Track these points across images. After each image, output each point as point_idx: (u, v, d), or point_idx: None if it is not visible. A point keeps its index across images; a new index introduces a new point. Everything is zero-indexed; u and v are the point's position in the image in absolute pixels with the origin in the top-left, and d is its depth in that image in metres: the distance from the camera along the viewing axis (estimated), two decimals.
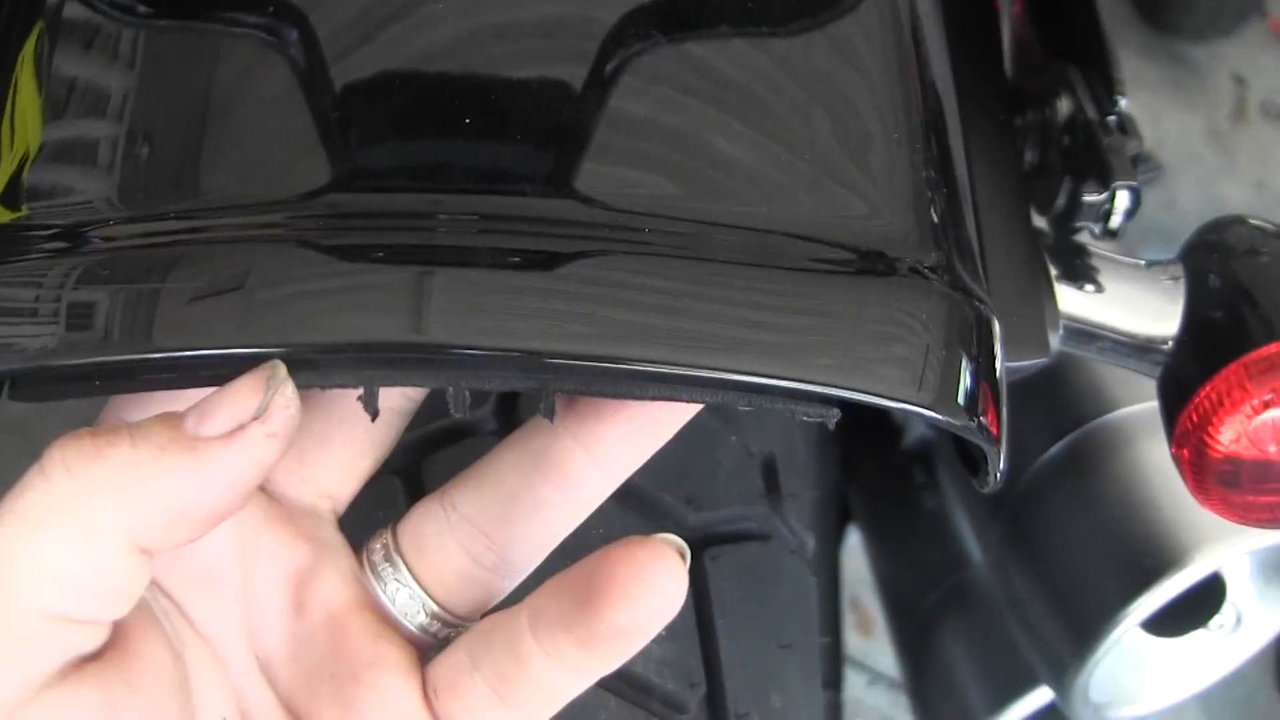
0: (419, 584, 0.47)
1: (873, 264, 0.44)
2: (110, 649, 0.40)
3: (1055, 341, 0.59)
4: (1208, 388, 0.56)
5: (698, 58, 0.47)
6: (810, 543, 0.73)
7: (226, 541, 0.44)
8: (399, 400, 0.47)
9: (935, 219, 0.47)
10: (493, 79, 0.46)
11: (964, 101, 0.55)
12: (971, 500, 0.94)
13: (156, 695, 0.41)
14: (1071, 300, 0.60)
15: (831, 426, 0.43)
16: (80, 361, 0.40)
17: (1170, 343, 0.60)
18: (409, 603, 0.46)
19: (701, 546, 0.65)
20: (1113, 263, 0.62)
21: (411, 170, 0.44)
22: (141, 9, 0.49)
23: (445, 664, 0.45)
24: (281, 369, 0.40)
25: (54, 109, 0.47)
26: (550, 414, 0.42)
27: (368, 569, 0.47)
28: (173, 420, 0.39)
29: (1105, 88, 0.60)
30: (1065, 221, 0.62)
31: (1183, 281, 0.61)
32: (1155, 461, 0.78)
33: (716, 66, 0.47)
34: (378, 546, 0.47)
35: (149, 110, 0.47)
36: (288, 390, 0.40)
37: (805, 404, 0.42)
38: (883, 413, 1.05)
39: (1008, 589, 0.85)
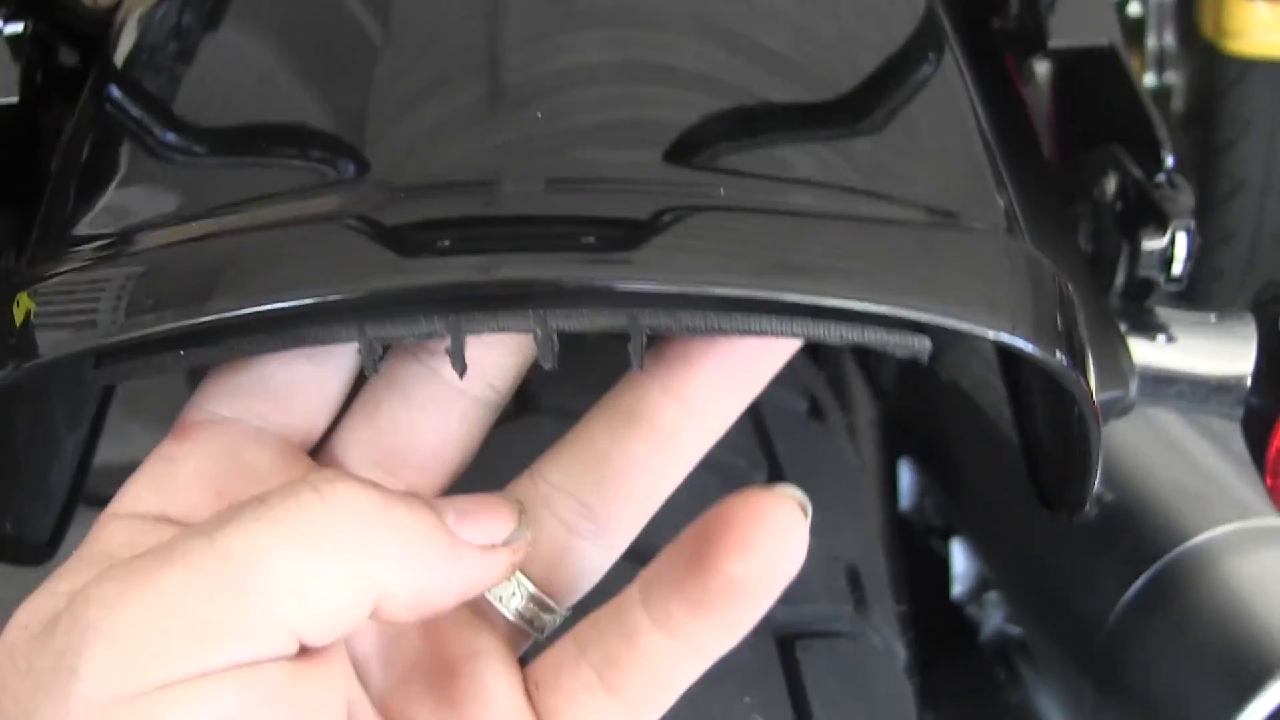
0: None
1: (952, 221, 0.45)
2: None
3: (1134, 391, 0.59)
4: None
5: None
6: (900, 652, 0.70)
7: None
8: (484, 390, 0.46)
9: (1004, 202, 0.48)
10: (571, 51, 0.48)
11: (1021, 202, 0.57)
12: (1056, 678, 0.92)
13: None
14: (1145, 352, 0.60)
15: (925, 359, 0.42)
16: (164, 328, 0.40)
17: (1248, 381, 0.59)
18: (505, 586, 0.44)
19: (792, 638, 0.63)
20: (1183, 318, 0.62)
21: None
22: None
23: (551, 654, 0.44)
24: (527, 511, 0.42)
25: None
26: (640, 358, 0.41)
27: None
28: (433, 509, 0.40)
29: (1150, 151, 0.62)
30: (1132, 293, 0.62)
31: (1254, 327, 0.61)
32: (1244, 576, 0.76)
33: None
34: None
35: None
36: (529, 533, 0.41)
37: (895, 333, 0.42)
38: (954, 615, 1.04)
39: None
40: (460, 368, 0.41)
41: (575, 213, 0.42)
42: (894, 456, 1.14)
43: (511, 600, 0.45)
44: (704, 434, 0.45)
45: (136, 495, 0.42)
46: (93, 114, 0.53)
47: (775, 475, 0.71)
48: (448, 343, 0.41)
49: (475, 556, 0.40)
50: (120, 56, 0.55)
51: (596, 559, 0.46)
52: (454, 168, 0.45)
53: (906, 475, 1.14)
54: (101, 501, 0.53)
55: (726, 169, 0.45)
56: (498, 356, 0.45)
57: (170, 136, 0.50)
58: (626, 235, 0.41)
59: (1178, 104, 2.60)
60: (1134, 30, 2.70)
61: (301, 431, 0.45)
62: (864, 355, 1.21)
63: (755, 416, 0.73)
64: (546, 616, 0.45)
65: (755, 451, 0.71)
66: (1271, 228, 2.32)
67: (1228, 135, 2.35)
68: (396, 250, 0.40)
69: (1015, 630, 1.01)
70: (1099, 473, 0.51)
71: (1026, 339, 0.42)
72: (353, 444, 0.45)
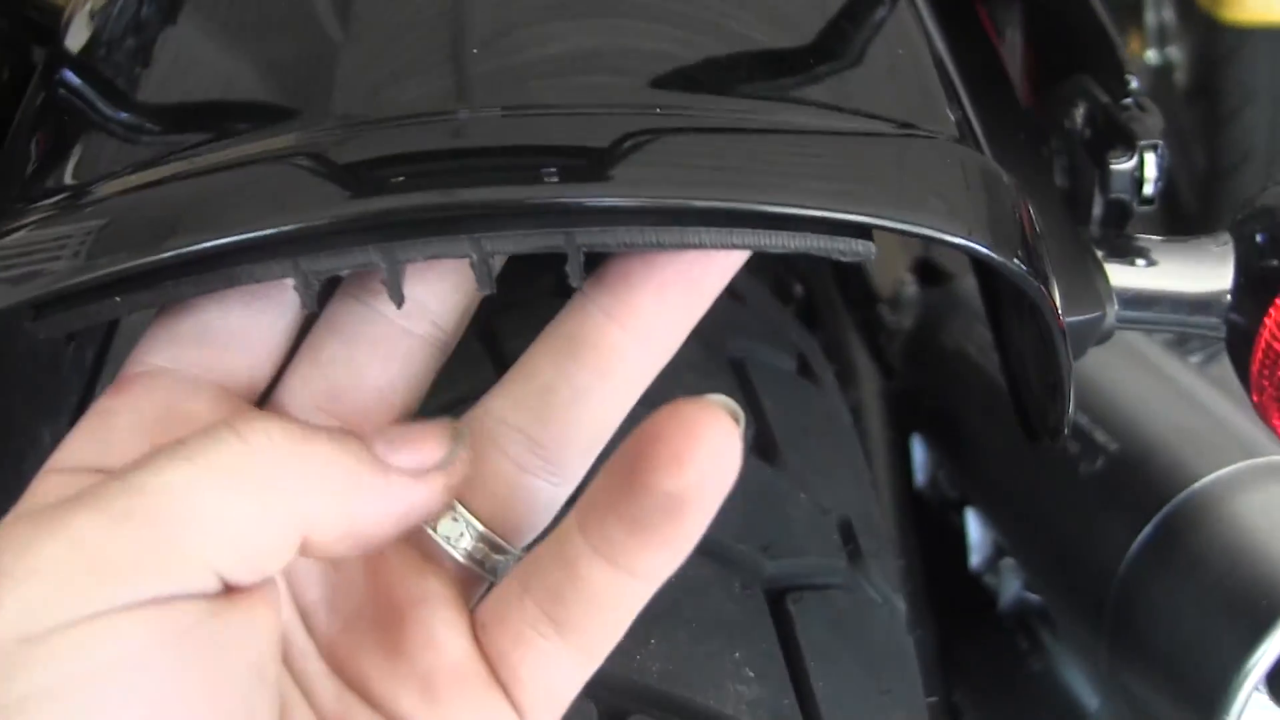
0: (461, 502, 0.43)
1: (902, 130, 0.44)
2: None
3: (1113, 314, 0.58)
4: (1270, 318, 0.55)
5: None
6: (900, 606, 0.69)
7: None
8: (429, 329, 0.45)
9: (957, 116, 0.47)
10: None
11: (991, 138, 0.56)
12: (1075, 639, 0.90)
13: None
14: (1126, 275, 0.59)
15: (871, 260, 0.41)
16: (99, 274, 0.40)
17: (1227, 296, 0.58)
18: (452, 526, 0.43)
19: (782, 591, 0.62)
20: (1161, 241, 0.61)
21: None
22: None
23: (496, 595, 0.42)
24: (465, 431, 0.41)
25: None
26: (578, 277, 0.40)
27: None
28: (361, 440, 0.39)
29: (1115, 77, 0.61)
30: (1110, 221, 0.62)
31: (1231, 246, 0.60)
32: (1250, 515, 0.74)
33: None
34: None
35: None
36: (466, 454, 0.40)
37: (837, 239, 0.41)
38: (974, 587, 1.03)
39: (1127, 693, 0.80)
40: (398, 299, 0.41)
41: (507, 140, 0.41)
42: (906, 432, 1.13)
43: (460, 541, 0.43)
44: (650, 357, 0.43)
45: (73, 449, 0.41)
46: (44, 86, 0.53)
47: (763, 432, 0.70)
48: (384, 274, 0.40)
49: (406, 482, 0.39)
50: (74, 29, 0.55)
51: (548, 495, 0.44)
52: (398, 103, 0.44)
53: (919, 451, 1.13)
54: None
55: (675, 93, 0.44)
56: (440, 293, 0.44)
57: (125, 96, 0.50)
58: (559, 156, 0.40)
59: (1181, 78, 2.59)
60: (1133, 7, 2.70)
61: (244, 379, 0.44)
62: (870, 330, 1.21)
63: (740, 373, 0.72)
64: (498, 557, 0.44)
65: (741, 407, 0.70)
66: None
67: (1232, 105, 2.34)
68: (337, 183, 0.40)
69: (1033, 597, 1.00)
70: (1072, 392, 0.51)
71: (982, 242, 0.42)
72: (297, 389, 0.45)
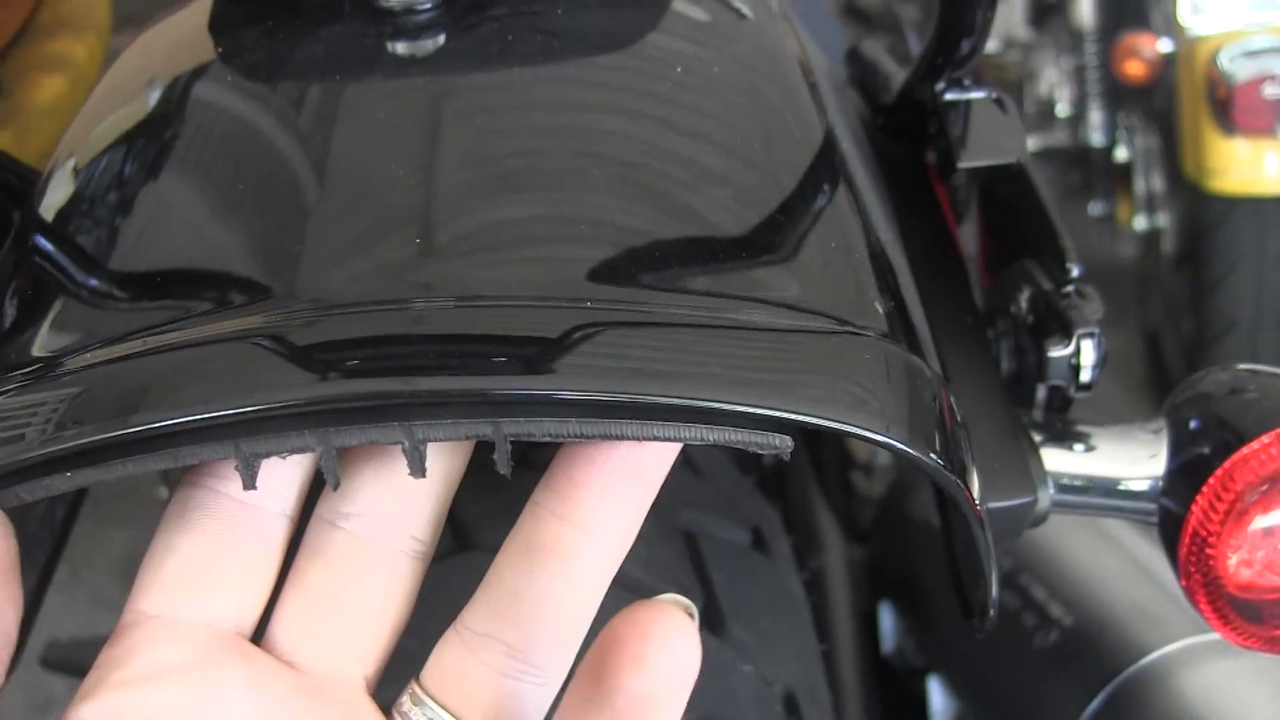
0: (454, 716, 0.44)
1: (828, 325, 0.46)
2: None
3: (1046, 499, 0.59)
4: (1197, 504, 0.56)
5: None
6: None
7: (251, 715, 0.43)
8: (408, 543, 0.46)
9: (885, 310, 0.49)
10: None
11: (940, 324, 0.58)
12: None
13: None
14: (1060, 460, 0.60)
15: (786, 457, 0.43)
16: (55, 448, 0.41)
17: (1160, 481, 0.60)
18: None
19: None
20: (1098, 427, 0.62)
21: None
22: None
23: None
24: None
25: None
26: (505, 465, 0.42)
27: None
28: None
29: (1058, 263, 0.63)
30: (1053, 406, 0.63)
31: (1165, 432, 0.61)
32: (1196, 690, 0.75)
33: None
34: (405, 697, 0.45)
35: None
36: None
37: (756, 433, 0.42)
38: None
39: None
40: (334, 483, 0.42)
41: (442, 331, 0.43)
42: (875, 598, 1.14)
43: None
44: (607, 549, 0.45)
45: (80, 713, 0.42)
46: (16, 254, 0.55)
47: (710, 604, 0.71)
48: (322, 459, 0.42)
49: None
50: (46, 201, 0.57)
51: (536, 696, 0.45)
52: (354, 291, 0.46)
53: (888, 618, 1.14)
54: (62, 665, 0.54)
55: (596, 285, 0.46)
56: (415, 507, 0.46)
57: (93, 266, 0.51)
58: (487, 348, 0.42)
59: (1168, 245, 2.63)
60: (1123, 175, 2.75)
61: (232, 619, 0.45)
62: (840, 498, 1.22)
63: (692, 548, 0.73)
64: None
65: (690, 580, 0.71)
66: (1266, 364, 2.32)
67: (1217, 273, 2.37)
68: (276, 370, 0.41)
69: None
70: (995, 575, 0.52)
71: (898, 438, 0.43)
72: (289, 621, 0.46)
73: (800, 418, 0.41)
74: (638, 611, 0.39)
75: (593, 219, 0.49)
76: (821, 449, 1.23)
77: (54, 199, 0.57)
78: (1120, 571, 0.86)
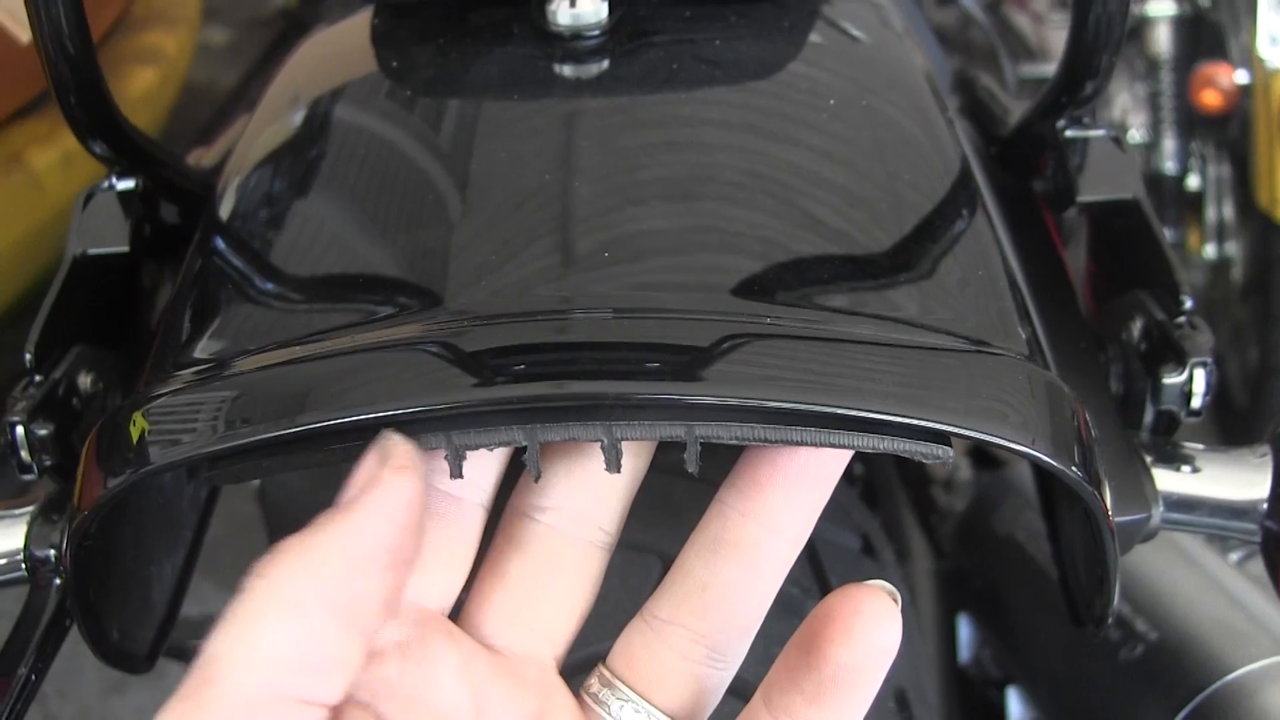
0: (642, 696, 0.48)
1: (976, 346, 0.50)
2: None
3: (1158, 516, 0.62)
4: None
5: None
6: None
7: (461, 692, 0.46)
8: (596, 534, 0.50)
9: (1026, 334, 0.53)
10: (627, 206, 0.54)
11: (1056, 347, 0.62)
12: None
13: None
14: (1172, 480, 0.64)
15: (949, 466, 0.47)
16: (264, 436, 0.46)
17: (1264, 504, 0.63)
18: (636, 716, 0.48)
19: None
20: (1204, 451, 0.66)
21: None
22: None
23: None
24: (387, 437, 0.44)
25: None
26: (695, 464, 0.46)
27: (589, 702, 0.49)
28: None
29: (1171, 295, 0.66)
30: (1160, 429, 0.67)
31: (1270, 458, 0.65)
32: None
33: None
34: (593, 680, 0.50)
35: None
36: (395, 450, 0.43)
37: (920, 443, 0.46)
38: None
39: None
40: (535, 473, 0.46)
41: (636, 339, 0.47)
42: (954, 610, 1.17)
43: None
44: (787, 544, 0.49)
45: None
46: (200, 259, 0.59)
47: None
48: (537, 470, 0.46)
49: (359, 508, 0.42)
50: (223, 212, 0.62)
51: (716, 679, 0.49)
52: (528, 300, 0.50)
53: (965, 629, 1.17)
54: (180, 653, 0.58)
55: (775, 304, 0.50)
56: (605, 501, 0.50)
57: (267, 278, 0.56)
58: (683, 357, 0.46)
59: (1236, 275, 2.64)
60: (1194, 203, 2.76)
61: (437, 599, 0.49)
62: (924, 513, 1.25)
63: (811, 551, 0.77)
64: None
65: (809, 581, 0.75)
66: None
67: None
68: (487, 371, 0.46)
69: None
70: (1117, 585, 0.55)
71: (1043, 451, 0.47)
72: (487, 606, 0.50)
73: (961, 431, 0.45)
74: (850, 590, 0.43)
75: (760, 237, 0.53)
76: (905, 464, 1.26)
77: (229, 203, 0.62)
78: (1204, 589, 0.88)
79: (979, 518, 1.14)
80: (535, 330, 0.48)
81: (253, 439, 0.46)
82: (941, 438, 0.47)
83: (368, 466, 0.42)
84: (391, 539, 0.41)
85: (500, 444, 0.45)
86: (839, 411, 0.45)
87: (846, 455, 0.48)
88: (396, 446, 0.43)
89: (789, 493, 0.48)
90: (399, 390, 0.45)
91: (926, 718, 0.74)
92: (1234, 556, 1.04)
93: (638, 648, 0.49)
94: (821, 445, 0.46)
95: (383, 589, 0.41)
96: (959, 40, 2.75)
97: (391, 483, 0.41)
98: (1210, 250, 2.71)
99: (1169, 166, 2.78)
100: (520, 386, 0.45)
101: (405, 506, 0.42)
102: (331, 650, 0.40)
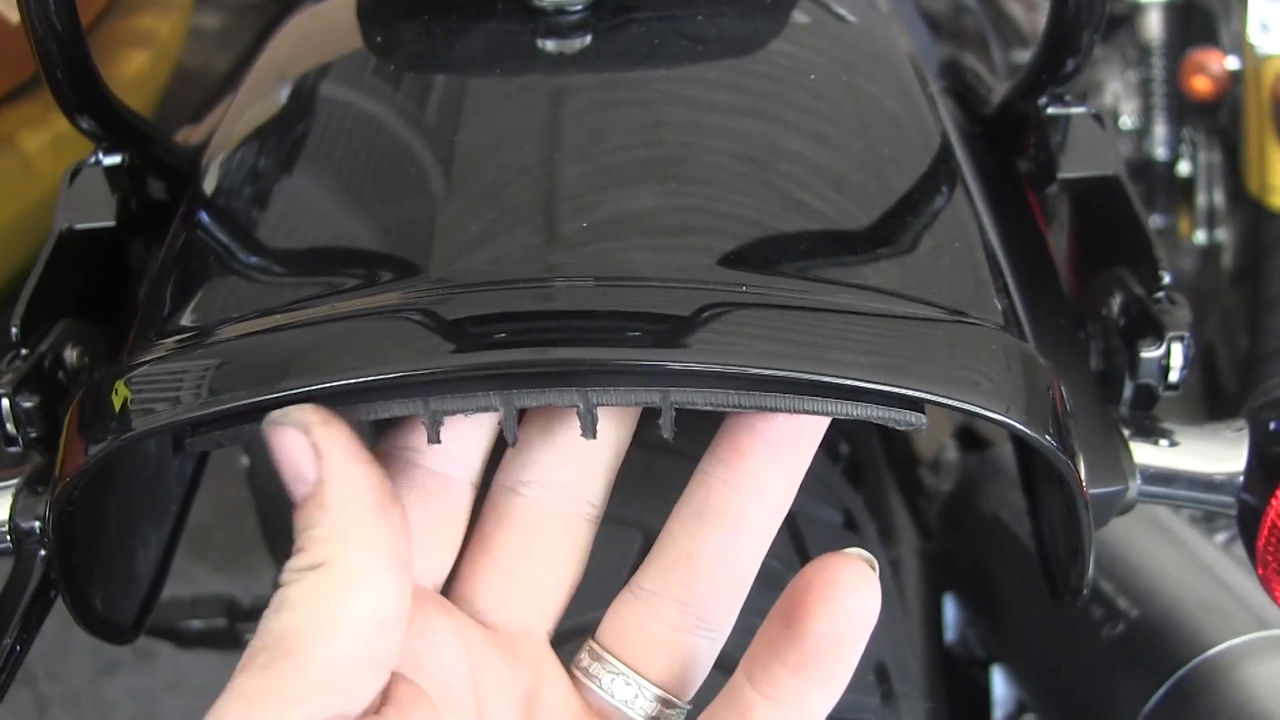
0: (631, 669, 0.49)
1: (953, 315, 0.51)
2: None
3: (1134, 489, 0.63)
4: (1277, 498, 0.60)
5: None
6: None
7: (459, 665, 0.47)
8: (584, 507, 0.51)
9: (1003, 305, 0.53)
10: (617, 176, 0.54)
11: (1036, 322, 0.63)
12: None
13: None
14: (1149, 454, 0.64)
15: (922, 431, 0.47)
16: (244, 402, 0.46)
17: (1240, 477, 0.64)
18: (627, 689, 0.49)
19: None
20: (1182, 425, 0.66)
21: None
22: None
23: None
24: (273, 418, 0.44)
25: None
26: (669, 429, 0.46)
27: (579, 675, 0.50)
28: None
29: (1150, 271, 0.66)
30: (1140, 403, 0.67)
31: (1246, 432, 0.65)
32: (1260, 683, 0.79)
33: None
34: (583, 655, 0.50)
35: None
36: (298, 417, 0.43)
37: (896, 410, 0.47)
38: None
39: None
40: (512, 439, 0.47)
41: (614, 307, 0.48)
42: (940, 591, 1.17)
43: (637, 702, 0.49)
44: (771, 512, 0.49)
45: None
46: (184, 232, 0.60)
47: None
48: (513, 435, 0.47)
49: (327, 478, 0.43)
50: (207, 185, 0.62)
51: (704, 649, 0.50)
52: (509, 269, 0.51)
53: (951, 609, 1.18)
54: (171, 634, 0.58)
55: (753, 273, 0.51)
56: (589, 473, 0.51)
57: (250, 250, 0.56)
58: (661, 325, 0.47)
59: (1227, 261, 2.64)
60: (1184, 189, 2.76)
61: (430, 576, 0.49)
62: (910, 494, 1.26)
63: (792, 525, 0.78)
64: (671, 712, 0.50)
65: (791, 555, 0.75)
66: None
67: (1274, 290, 2.38)
68: (465, 337, 0.46)
69: None
70: (1092, 556, 0.56)
71: (1017, 419, 0.47)
72: (478, 581, 0.50)
73: (934, 398, 0.46)
74: (827, 560, 0.43)
75: (740, 209, 0.54)
76: (891, 444, 1.27)
77: (214, 177, 0.62)
78: (1185, 567, 0.89)
79: (965, 499, 1.15)
80: (516, 298, 0.48)
81: (234, 404, 0.46)
82: (915, 405, 0.47)
83: (297, 447, 0.43)
84: (379, 479, 0.43)
85: (477, 409, 0.46)
86: (810, 377, 0.45)
87: (825, 422, 0.49)
88: (292, 414, 0.43)
89: (769, 459, 0.48)
90: (379, 356, 0.45)
91: (906, 689, 0.74)
92: (1220, 538, 1.05)
93: (626, 620, 0.50)
94: (795, 411, 0.46)
95: (404, 529, 0.43)
96: (952, 27, 2.75)
97: (332, 437, 0.43)
98: (1201, 236, 2.71)
99: (1160, 152, 2.78)
100: (498, 353, 0.45)
101: (356, 451, 0.43)
102: (396, 608, 0.42)
